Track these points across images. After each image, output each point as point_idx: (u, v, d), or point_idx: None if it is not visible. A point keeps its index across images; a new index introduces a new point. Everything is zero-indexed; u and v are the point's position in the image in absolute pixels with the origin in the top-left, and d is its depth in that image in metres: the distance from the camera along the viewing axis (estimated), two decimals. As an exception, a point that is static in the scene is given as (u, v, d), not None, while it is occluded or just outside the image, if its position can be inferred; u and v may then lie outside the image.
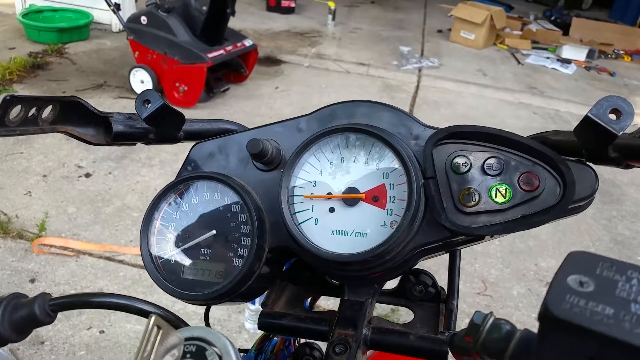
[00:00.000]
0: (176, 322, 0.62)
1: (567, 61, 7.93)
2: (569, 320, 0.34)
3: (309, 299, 0.86)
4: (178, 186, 0.74)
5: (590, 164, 0.65)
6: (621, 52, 8.83)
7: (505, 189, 0.65)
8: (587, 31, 9.10)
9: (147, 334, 0.38)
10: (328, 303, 2.47)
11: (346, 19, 8.92)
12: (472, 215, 0.66)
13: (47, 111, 0.66)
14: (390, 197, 0.68)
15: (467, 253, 3.27)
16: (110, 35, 6.74)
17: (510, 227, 0.64)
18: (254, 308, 1.50)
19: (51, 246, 3.06)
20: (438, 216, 0.65)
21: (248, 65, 5.47)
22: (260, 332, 0.99)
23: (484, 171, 0.66)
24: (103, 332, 2.61)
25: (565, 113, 6.11)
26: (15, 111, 0.60)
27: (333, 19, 8.35)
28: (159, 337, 0.39)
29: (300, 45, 7.35)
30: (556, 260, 3.43)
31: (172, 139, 0.80)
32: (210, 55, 4.70)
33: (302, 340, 0.96)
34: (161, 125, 0.76)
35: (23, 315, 0.57)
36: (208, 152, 0.78)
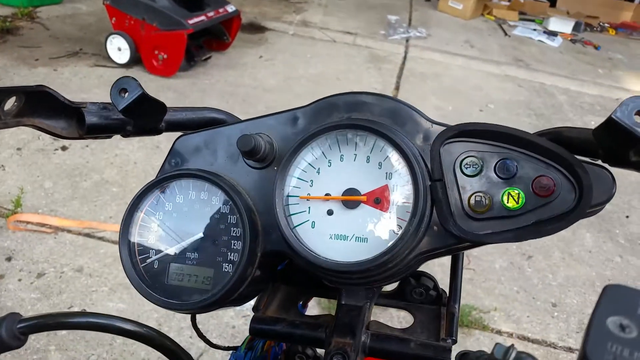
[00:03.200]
0: (160, 341, 0.56)
1: (553, 33, 7.88)
2: None
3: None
4: (160, 184, 0.67)
5: (607, 166, 0.61)
6: (606, 25, 8.80)
7: (518, 194, 0.60)
8: (574, 3, 9.03)
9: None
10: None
11: (332, -15, 8.69)
12: (482, 221, 0.61)
13: (10, 103, 0.58)
14: (393, 199, 0.63)
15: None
16: (85, -1, 6.45)
17: (522, 235, 0.60)
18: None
19: (28, 223, 2.96)
20: (445, 222, 0.61)
21: (231, 32, 5.29)
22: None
23: (495, 174, 0.61)
24: (85, 310, 2.56)
25: (550, 86, 6.09)
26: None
27: (318, -15, 8.12)
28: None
29: (285, 11, 7.15)
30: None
31: (153, 131, 0.73)
32: (190, 22, 4.52)
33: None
34: (140, 117, 0.68)
35: None
36: (194, 146, 0.72)
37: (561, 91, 6.01)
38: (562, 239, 3.43)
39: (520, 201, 0.60)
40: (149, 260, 0.67)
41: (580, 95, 6.01)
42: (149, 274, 0.67)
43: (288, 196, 0.65)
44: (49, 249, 2.81)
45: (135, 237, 0.67)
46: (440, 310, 0.74)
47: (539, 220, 0.60)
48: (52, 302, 2.56)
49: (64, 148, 3.63)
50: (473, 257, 3.15)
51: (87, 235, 2.94)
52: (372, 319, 0.72)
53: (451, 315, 0.70)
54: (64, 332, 2.38)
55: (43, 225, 2.96)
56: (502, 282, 3.01)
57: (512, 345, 0.41)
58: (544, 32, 7.90)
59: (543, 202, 0.60)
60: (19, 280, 2.62)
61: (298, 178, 0.65)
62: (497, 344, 0.42)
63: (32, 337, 2.34)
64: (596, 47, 7.70)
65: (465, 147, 0.63)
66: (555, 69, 6.57)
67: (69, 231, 2.95)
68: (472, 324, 2.68)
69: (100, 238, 2.93)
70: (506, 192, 0.61)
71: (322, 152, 0.65)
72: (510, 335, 2.67)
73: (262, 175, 0.68)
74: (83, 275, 2.71)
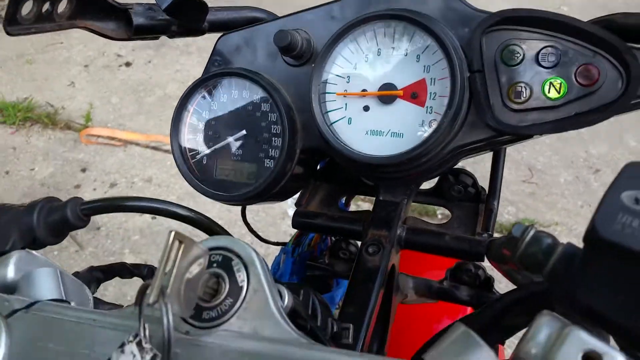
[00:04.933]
0: (209, 225, 0.62)
1: None
2: (618, 242, 0.30)
3: (344, 198, 0.85)
4: (205, 84, 0.70)
5: None
6: None
7: (560, 83, 0.58)
8: None
9: (167, 250, 0.37)
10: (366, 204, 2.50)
11: None
12: (521, 113, 0.60)
13: (62, 5, 0.61)
14: (430, 93, 0.62)
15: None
16: None
17: (563, 126, 0.58)
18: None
19: (98, 136, 3.16)
20: (483, 114, 0.60)
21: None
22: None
23: (537, 62, 0.59)
24: (155, 218, 2.77)
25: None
26: (28, 6, 0.57)
27: None
28: (180, 252, 0.37)
29: None
30: (608, 147, 3.28)
31: (197, 31, 0.75)
32: None
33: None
34: (183, 16, 0.70)
35: (57, 219, 0.58)
36: (235, 45, 0.73)
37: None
38: (634, 152, 3.24)
39: (562, 91, 0.58)
40: (198, 157, 0.72)
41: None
42: (198, 169, 0.72)
43: (325, 93, 0.66)
44: (120, 161, 3.02)
45: (184, 135, 0.72)
46: (478, 207, 0.74)
47: (581, 111, 0.58)
48: (126, 209, 2.80)
49: (127, 64, 3.75)
50: (537, 171, 3.05)
51: (155, 148, 3.11)
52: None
53: (489, 212, 0.71)
54: (136, 236, 2.61)
55: (113, 138, 3.15)
56: (565, 196, 2.92)
57: (532, 224, 0.42)
58: None
59: (586, 92, 0.57)
60: (94, 189, 2.86)
61: (334, 74, 0.66)
62: (516, 223, 0.43)
63: (107, 241, 2.59)
64: None
65: (507, 35, 0.60)
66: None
67: (137, 144, 3.13)
68: (531, 238, 2.67)
69: (166, 151, 3.09)
70: (548, 82, 0.58)
71: (359, 46, 0.65)
72: (571, 249, 2.64)
73: (300, 72, 0.69)
74: (152, 185, 2.91)
